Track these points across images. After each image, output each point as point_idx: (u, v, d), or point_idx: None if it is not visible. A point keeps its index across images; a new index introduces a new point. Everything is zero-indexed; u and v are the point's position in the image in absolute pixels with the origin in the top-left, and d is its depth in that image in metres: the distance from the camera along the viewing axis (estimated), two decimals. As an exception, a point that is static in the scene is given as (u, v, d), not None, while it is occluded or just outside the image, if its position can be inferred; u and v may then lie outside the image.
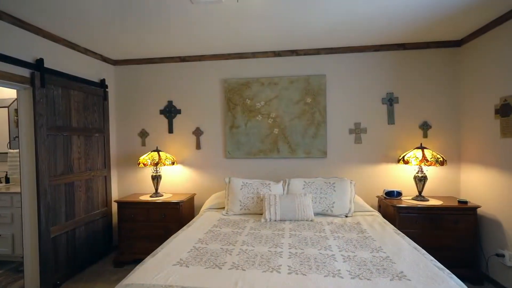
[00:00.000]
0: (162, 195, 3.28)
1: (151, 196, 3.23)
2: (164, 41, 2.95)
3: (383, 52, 3.17)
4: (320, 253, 1.84)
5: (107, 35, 2.78)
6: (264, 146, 3.35)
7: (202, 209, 3.10)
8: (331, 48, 3.23)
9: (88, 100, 3.14)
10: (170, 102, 3.54)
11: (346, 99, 3.26)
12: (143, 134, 3.61)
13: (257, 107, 3.35)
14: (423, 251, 1.86)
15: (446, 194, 3.11)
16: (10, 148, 3.74)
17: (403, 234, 2.19)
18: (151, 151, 3.27)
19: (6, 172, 3.71)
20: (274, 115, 3.33)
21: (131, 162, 3.60)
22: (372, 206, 3.08)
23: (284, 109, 3.31)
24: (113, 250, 3.46)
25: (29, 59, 2.49)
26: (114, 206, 3.38)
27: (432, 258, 1.75)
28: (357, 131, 3.25)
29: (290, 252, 1.87)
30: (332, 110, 3.28)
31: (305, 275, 1.56)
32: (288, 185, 2.92)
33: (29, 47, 2.51)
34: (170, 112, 3.55)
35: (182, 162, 3.53)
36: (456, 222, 2.64)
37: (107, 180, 3.40)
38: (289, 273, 1.58)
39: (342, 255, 1.82)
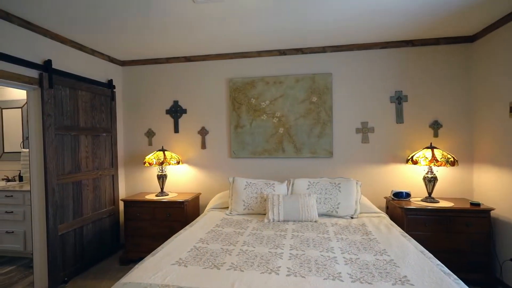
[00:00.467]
0: (167, 194, 3.31)
1: (156, 195, 3.26)
2: (168, 41, 2.97)
3: (390, 49, 3.08)
4: (322, 255, 1.80)
5: (113, 36, 2.81)
6: (269, 145, 3.32)
7: (206, 209, 3.10)
8: (337, 46, 3.16)
9: (95, 100, 3.20)
10: (176, 102, 3.56)
11: (352, 97, 3.19)
12: (150, 134, 3.64)
13: (262, 106, 3.32)
14: (430, 255, 1.79)
15: (458, 196, 3.00)
16: (23, 148, 3.86)
17: (410, 237, 2.11)
18: (157, 151, 3.30)
19: (20, 171, 3.83)
20: (279, 115, 3.29)
21: (138, 161, 3.64)
22: (379, 208, 3.00)
23: (289, 108, 3.27)
24: (120, 248, 3.51)
25: (37, 60, 2.55)
26: (121, 205, 3.44)
27: (438, 262, 1.68)
28: (364, 130, 3.17)
29: (290, 253, 1.84)
30: (338, 109, 3.21)
31: (304, 277, 1.52)
32: (292, 185, 2.88)
33: (37, 49, 2.57)
34: (176, 111, 3.57)
35: (188, 162, 3.54)
36: (468, 225, 2.54)
37: (114, 179, 3.45)
38: (287, 275, 1.55)
39: (344, 257, 1.77)
